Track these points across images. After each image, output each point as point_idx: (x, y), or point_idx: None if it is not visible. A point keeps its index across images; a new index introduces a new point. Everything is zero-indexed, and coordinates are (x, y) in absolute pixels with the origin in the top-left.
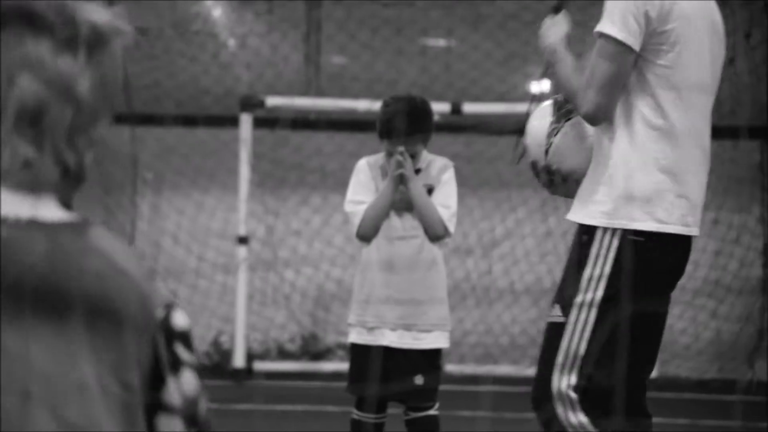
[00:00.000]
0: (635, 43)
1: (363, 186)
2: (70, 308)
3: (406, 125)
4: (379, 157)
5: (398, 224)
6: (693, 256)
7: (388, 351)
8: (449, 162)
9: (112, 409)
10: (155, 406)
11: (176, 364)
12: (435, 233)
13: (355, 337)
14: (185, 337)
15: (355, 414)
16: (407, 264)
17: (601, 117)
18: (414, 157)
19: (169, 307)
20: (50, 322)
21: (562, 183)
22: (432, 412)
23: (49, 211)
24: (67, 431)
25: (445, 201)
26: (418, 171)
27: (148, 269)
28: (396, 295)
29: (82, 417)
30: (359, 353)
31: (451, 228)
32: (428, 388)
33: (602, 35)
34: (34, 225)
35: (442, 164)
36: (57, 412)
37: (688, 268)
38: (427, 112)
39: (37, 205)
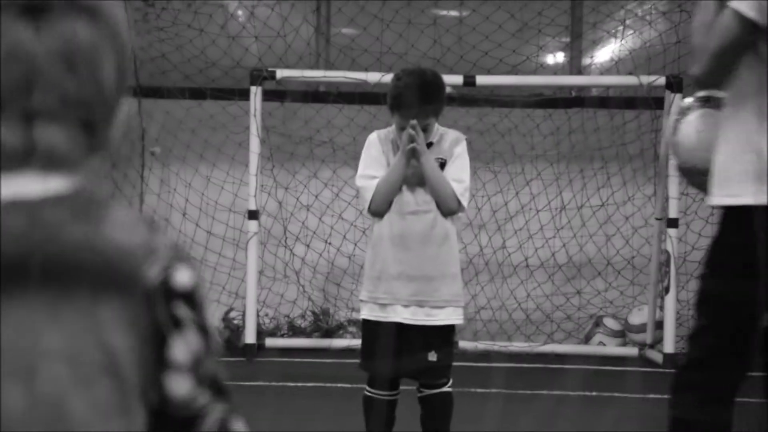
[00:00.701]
0: (763, 19)
1: (374, 160)
2: (43, 281)
3: (418, 99)
4: (390, 131)
5: (410, 199)
6: (711, 230)
7: (400, 327)
8: (461, 135)
9: (88, 375)
10: (163, 364)
11: (178, 323)
12: (448, 207)
13: (367, 313)
14: (187, 296)
15: (368, 391)
16: (420, 239)
17: (709, 83)
18: (426, 130)
19: (169, 267)
20: (22, 296)
21: (705, 177)
22: (445, 389)
23: (36, 187)
24: (37, 401)
25: (458, 175)
26: (430, 145)
27: (151, 229)
28: (409, 271)
29: (51, 386)
30: (371, 329)
31: (465, 202)
32: (441, 364)
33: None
34: (15, 204)
35: (454, 137)
36: (27, 383)
37: (706, 242)
38: (439, 86)
39: (26, 183)
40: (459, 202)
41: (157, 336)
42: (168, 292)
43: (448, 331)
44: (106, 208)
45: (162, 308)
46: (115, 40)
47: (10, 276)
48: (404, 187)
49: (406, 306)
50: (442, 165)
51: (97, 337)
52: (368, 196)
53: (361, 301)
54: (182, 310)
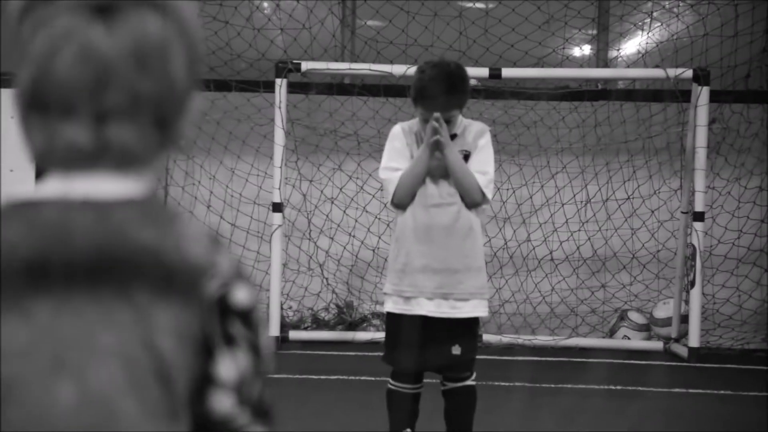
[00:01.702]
0: None
1: (398, 152)
2: (107, 281)
3: (441, 91)
4: (414, 123)
5: (434, 191)
6: (737, 224)
7: (425, 320)
8: (485, 126)
9: (139, 376)
10: (209, 379)
11: (230, 341)
12: (472, 200)
13: (392, 306)
14: (243, 315)
15: (392, 384)
16: (444, 232)
17: None
18: (449, 122)
19: (228, 284)
20: (84, 294)
21: None
22: (469, 382)
23: (108, 188)
24: (88, 399)
25: (482, 167)
26: (453, 136)
27: (215, 244)
28: (433, 264)
29: (103, 384)
30: (395, 322)
31: (489, 194)
32: (465, 358)
33: None
34: (86, 204)
35: (478, 129)
36: (80, 380)
37: (732, 235)
38: (463, 78)
39: (98, 182)
40: (483, 194)
41: (207, 350)
42: (225, 309)
43: (473, 323)
44: (174, 217)
45: (216, 323)
46: (185, 36)
47: (74, 273)
48: (428, 180)
49: (430, 299)
50: (466, 157)
51: (150, 342)
52: (391, 188)
53: (385, 294)
54: (236, 328)
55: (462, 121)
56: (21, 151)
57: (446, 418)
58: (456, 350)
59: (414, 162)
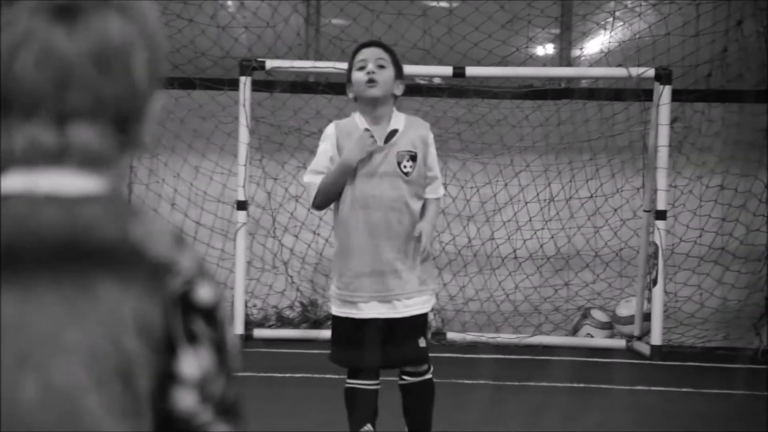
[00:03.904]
0: None
1: (325, 155)
2: (71, 276)
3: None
4: (351, 120)
5: (375, 192)
6: (699, 222)
7: (374, 321)
8: (427, 124)
9: (103, 373)
10: (171, 376)
11: (193, 339)
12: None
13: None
14: (206, 313)
15: (350, 382)
16: (386, 232)
17: None
18: (381, 73)
19: (191, 282)
20: (50, 288)
21: None
22: (428, 375)
23: (72, 184)
24: (51, 395)
25: (436, 173)
26: (394, 132)
27: (178, 241)
28: (377, 266)
29: (66, 381)
30: (344, 321)
31: (442, 192)
32: (426, 351)
33: None
34: (49, 199)
35: (423, 129)
36: (43, 376)
37: (694, 234)
38: (397, 57)
39: (61, 180)
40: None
41: (169, 347)
42: (187, 306)
43: (425, 318)
44: (137, 214)
45: (179, 321)
46: (147, 37)
47: (37, 268)
48: (368, 181)
49: (381, 301)
50: (413, 157)
51: (114, 338)
52: (312, 192)
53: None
54: (199, 326)
55: (398, 115)
56: None
57: (406, 414)
58: (422, 343)
59: (332, 173)
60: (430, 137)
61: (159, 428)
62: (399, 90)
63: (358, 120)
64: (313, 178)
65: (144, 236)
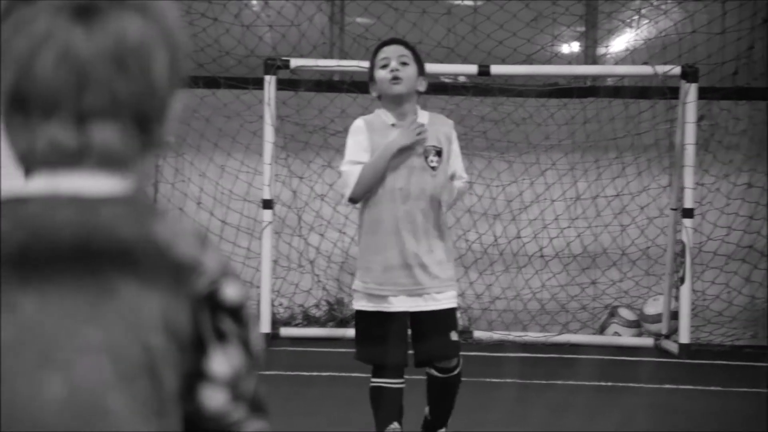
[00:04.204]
0: None
1: (361, 146)
2: (93, 276)
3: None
4: (377, 116)
5: (406, 186)
6: (726, 220)
7: (403, 315)
8: (450, 121)
9: (127, 371)
10: (201, 375)
11: (221, 337)
12: (453, 203)
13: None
14: (233, 311)
15: (376, 381)
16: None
17: None
18: (405, 64)
19: (217, 281)
20: (70, 287)
21: None
22: (458, 371)
23: (92, 184)
24: (76, 393)
25: (461, 172)
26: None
27: (203, 241)
28: (408, 260)
29: (90, 379)
30: (372, 318)
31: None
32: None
33: None
34: (72, 200)
35: (447, 125)
36: (67, 374)
37: (721, 232)
38: (419, 54)
39: (83, 180)
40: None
41: (197, 346)
42: (214, 305)
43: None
44: (160, 214)
45: (206, 320)
46: (167, 36)
47: (60, 268)
48: (399, 175)
49: (410, 295)
50: (439, 152)
51: (138, 336)
52: (351, 181)
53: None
54: (227, 325)
55: (422, 112)
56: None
57: (429, 403)
58: (454, 336)
59: (376, 158)
60: (454, 134)
61: (187, 428)
62: (422, 86)
63: (383, 116)
64: (351, 167)
65: (168, 236)
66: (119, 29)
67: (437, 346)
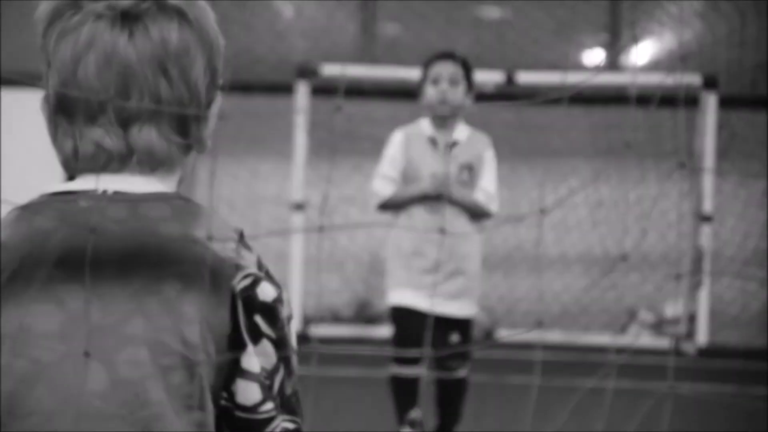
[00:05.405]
0: None
1: (393, 161)
2: (136, 272)
3: (451, 53)
4: (417, 126)
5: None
6: (743, 226)
7: (428, 317)
8: (489, 139)
9: (167, 364)
10: (237, 371)
11: (257, 335)
12: (479, 218)
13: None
14: (267, 311)
15: (395, 370)
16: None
17: None
18: (455, 83)
19: (254, 280)
20: (116, 283)
21: None
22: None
23: (137, 185)
24: (118, 383)
25: (489, 186)
26: (454, 144)
27: (241, 241)
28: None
29: (131, 370)
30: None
31: (494, 209)
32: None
33: None
34: (117, 196)
35: (484, 142)
36: (110, 365)
37: (737, 238)
38: (470, 65)
39: (127, 181)
40: (488, 211)
41: (234, 343)
42: (251, 304)
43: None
44: (200, 214)
45: (243, 317)
46: (205, 41)
47: (105, 263)
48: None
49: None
50: (470, 168)
51: (177, 332)
52: (378, 199)
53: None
54: (262, 323)
55: (463, 127)
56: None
57: (439, 405)
58: (455, 338)
59: (404, 196)
60: (488, 153)
61: (221, 423)
62: (468, 102)
63: (424, 126)
64: (382, 187)
65: (206, 236)
66: (160, 35)
67: (452, 349)
